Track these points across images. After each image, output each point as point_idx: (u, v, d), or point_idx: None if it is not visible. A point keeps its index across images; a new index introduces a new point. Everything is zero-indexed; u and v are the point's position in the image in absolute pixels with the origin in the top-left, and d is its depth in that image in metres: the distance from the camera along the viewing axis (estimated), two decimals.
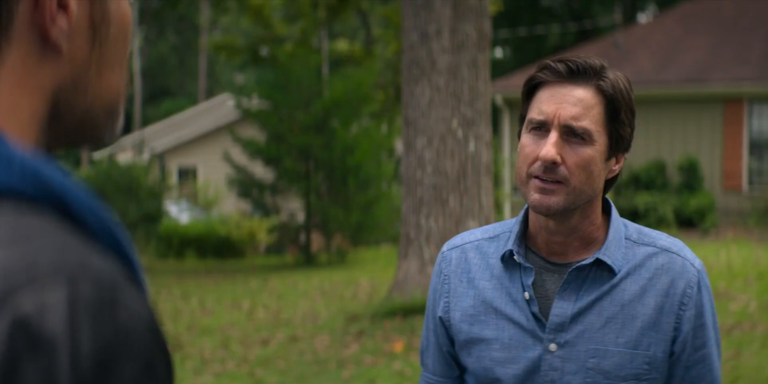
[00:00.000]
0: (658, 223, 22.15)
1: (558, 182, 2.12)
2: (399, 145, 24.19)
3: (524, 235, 2.31)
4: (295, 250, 20.61)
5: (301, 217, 20.65)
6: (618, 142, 2.16)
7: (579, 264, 2.20)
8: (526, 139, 2.17)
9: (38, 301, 0.76)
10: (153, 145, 30.87)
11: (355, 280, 16.03)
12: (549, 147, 2.10)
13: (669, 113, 23.70)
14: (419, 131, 11.29)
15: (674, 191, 23.05)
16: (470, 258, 2.37)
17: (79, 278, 0.78)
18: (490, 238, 2.37)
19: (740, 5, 26.33)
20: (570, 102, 2.11)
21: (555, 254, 2.27)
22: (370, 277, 16.42)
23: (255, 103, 20.90)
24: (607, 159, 2.17)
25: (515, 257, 2.26)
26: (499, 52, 44.16)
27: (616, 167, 2.21)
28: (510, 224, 2.36)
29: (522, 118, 2.24)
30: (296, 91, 19.35)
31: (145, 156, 25.79)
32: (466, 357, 2.34)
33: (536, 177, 2.13)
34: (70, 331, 0.76)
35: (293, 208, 20.66)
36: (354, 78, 19.77)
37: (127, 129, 48.76)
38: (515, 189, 23.55)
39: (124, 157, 25.91)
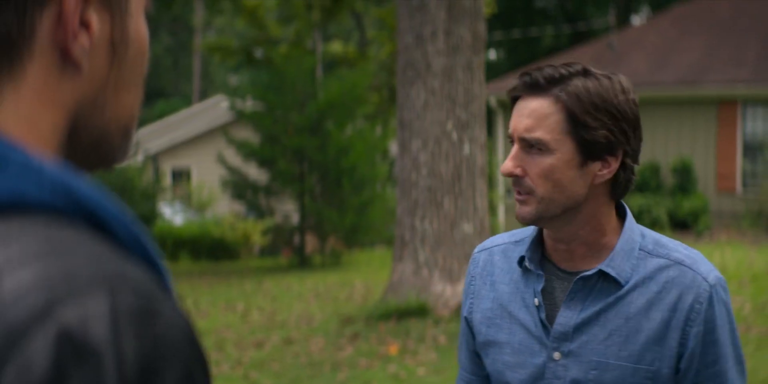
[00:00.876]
0: (652, 225, 22.17)
1: (528, 193, 2.17)
2: (393, 147, 24.20)
3: (540, 241, 2.33)
4: (289, 251, 20.60)
5: (295, 218, 20.63)
6: (591, 146, 2.14)
7: (583, 274, 2.21)
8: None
9: (81, 312, 0.78)
10: (147, 146, 30.83)
11: (349, 282, 16.02)
12: (507, 161, 2.18)
13: (663, 115, 23.71)
14: (414, 133, 11.29)
15: (668, 193, 23.06)
16: (495, 261, 2.42)
17: (118, 288, 0.80)
18: (516, 242, 2.41)
19: (734, 7, 26.34)
20: (524, 114, 2.16)
21: (564, 261, 2.28)
22: (364, 279, 16.41)
23: (249, 104, 20.89)
24: (582, 165, 2.16)
25: (526, 263, 2.30)
26: (493, 54, 44.18)
27: (605, 171, 2.18)
28: (532, 229, 2.38)
29: None
30: (290, 93, 19.34)
31: (139, 157, 25.74)
32: (484, 358, 2.41)
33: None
34: (114, 340, 0.77)
35: (287, 209, 20.64)
36: (348, 80, 19.76)
37: None
38: (509, 191, 23.55)
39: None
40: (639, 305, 2.20)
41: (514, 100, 2.23)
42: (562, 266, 2.28)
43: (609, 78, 2.18)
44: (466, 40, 11.29)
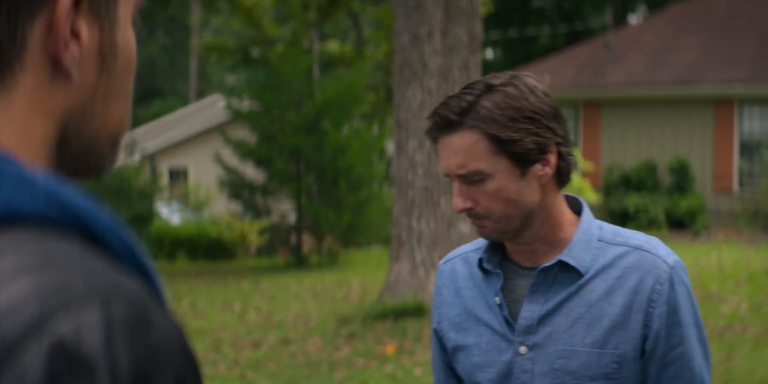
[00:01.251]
0: (649, 225, 22.19)
1: (484, 218, 2.22)
2: (390, 147, 24.19)
3: (499, 243, 2.37)
4: (286, 251, 20.59)
5: (292, 218, 20.62)
6: (525, 155, 2.18)
7: (543, 266, 2.25)
8: None
9: (75, 323, 0.78)
10: (144, 146, 30.80)
11: (346, 282, 16.03)
12: (455, 199, 2.24)
13: (660, 114, 23.73)
14: (411, 133, 11.30)
15: (665, 192, 23.08)
16: (458, 269, 2.47)
17: (112, 299, 0.80)
18: (477, 249, 2.44)
19: (731, 6, 26.37)
20: (451, 153, 2.20)
21: (526, 259, 2.33)
22: (361, 278, 16.42)
23: (246, 104, 20.88)
24: (523, 174, 2.20)
25: (484, 264, 2.34)
26: (490, 54, 44.19)
27: (547, 169, 2.21)
28: None
29: None
30: (287, 93, 19.33)
31: (136, 157, 25.70)
32: (455, 364, 2.44)
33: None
34: (107, 350, 0.78)
35: (284, 209, 20.63)
36: (345, 79, 19.75)
37: None
38: None
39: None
40: (600, 291, 2.24)
41: (435, 138, 2.26)
42: (524, 264, 2.33)
43: (512, 84, 2.19)
44: (463, 40, 11.29)
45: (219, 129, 24.36)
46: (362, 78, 20.10)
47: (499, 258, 2.35)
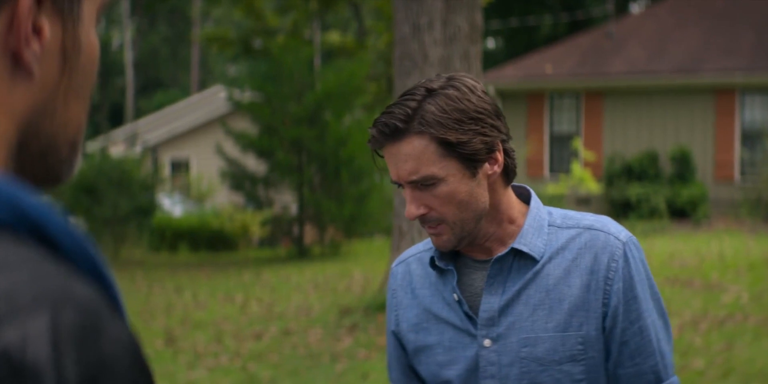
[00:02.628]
0: (651, 214, 22.19)
1: (439, 224, 2.21)
2: None
3: None
4: (288, 242, 20.61)
5: (293, 209, 20.63)
6: (473, 155, 2.18)
7: (497, 257, 2.25)
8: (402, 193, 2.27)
9: (20, 331, 0.75)
10: (145, 137, 30.83)
11: (348, 273, 16.04)
12: (408, 206, 2.21)
13: (661, 104, 23.71)
14: None
15: (666, 182, 23.08)
16: (413, 270, 2.46)
17: (61, 306, 0.77)
18: (429, 249, 2.43)
19: None
20: (401, 160, 2.18)
21: (479, 253, 2.33)
22: (363, 269, 16.43)
23: (247, 95, 20.88)
24: (473, 175, 2.20)
25: (437, 262, 2.33)
26: (490, 43, 44.14)
27: (495, 167, 2.22)
28: None
29: None
30: (288, 83, 19.33)
31: (138, 149, 25.70)
32: (417, 365, 2.42)
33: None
34: (54, 359, 0.75)
35: (286, 200, 20.64)
36: (346, 70, 19.75)
37: (119, 121, 48.72)
38: None
39: (116, 150, 25.85)
40: (557, 275, 2.25)
41: (380, 147, 2.25)
42: (478, 257, 2.33)
43: (452, 86, 2.19)
44: (464, 30, 11.27)
45: (220, 120, 24.37)
46: (363, 68, 20.09)
47: (451, 254, 2.34)
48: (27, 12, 0.91)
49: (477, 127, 2.17)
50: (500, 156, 2.22)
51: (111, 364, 0.78)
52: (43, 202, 0.86)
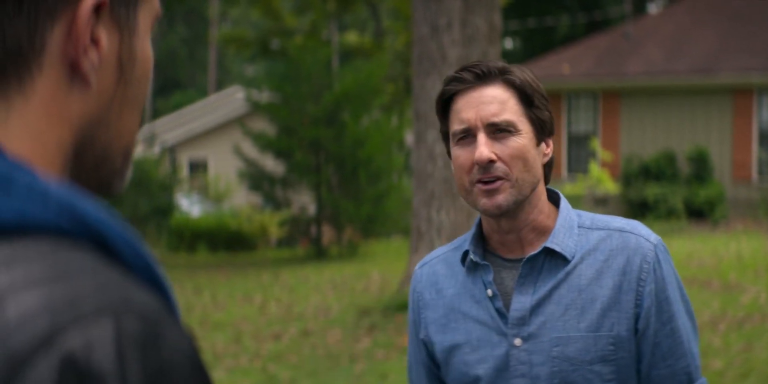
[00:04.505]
0: (668, 214, 22.15)
1: (499, 179, 2.20)
2: (409, 137, 24.19)
3: (481, 237, 2.37)
4: (306, 243, 20.62)
5: (312, 210, 20.64)
6: (541, 126, 2.26)
7: (529, 255, 2.26)
8: (456, 150, 2.26)
9: (85, 338, 0.77)
10: (164, 138, 30.88)
11: (366, 274, 16.05)
12: (481, 148, 2.19)
13: (678, 104, 23.68)
14: (430, 124, 11.30)
15: (684, 182, 23.04)
16: (438, 270, 2.45)
17: (123, 313, 0.79)
18: (454, 249, 2.44)
19: None
20: (486, 102, 2.23)
21: (510, 252, 2.33)
22: (381, 270, 16.44)
23: (265, 95, 20.90)
24: (537, 144, 2.26)
25: (471, 256, 2.32)
26: (509, 43, 44.09)
27: (548, 151, 2.30)
28: (469, 234, 2.41)
29: (445, 135, 2.33)
30: (306, 84, 19.35)
31: (156, 149, 25.76)
32: (445, 366, 2.40)
33: (478, 181, 2.21)
34: (118, 366, 0.77)
35: (304, 201, 20.66)
36: (364, 70, 19.76)
37: None
38: None
39: (135, 151, 25.92)
40: (589, 276, 2.26)
41: (447, 101, 2.29)
42: (508, 256, 2.33)
43: (525, 71, 2.30)
44: (482, 31, 11.28)
45: (238, 121, 24.39)
46: (381, 69, 20.10)
47: (481, 252, 2.34)
48: (86, 22, 0.93)
49: (546, 104, 2.28)
50: (551, 145, 2.30)
51: (171, 370, 0.80)
52: (103, 211, 0.88)
